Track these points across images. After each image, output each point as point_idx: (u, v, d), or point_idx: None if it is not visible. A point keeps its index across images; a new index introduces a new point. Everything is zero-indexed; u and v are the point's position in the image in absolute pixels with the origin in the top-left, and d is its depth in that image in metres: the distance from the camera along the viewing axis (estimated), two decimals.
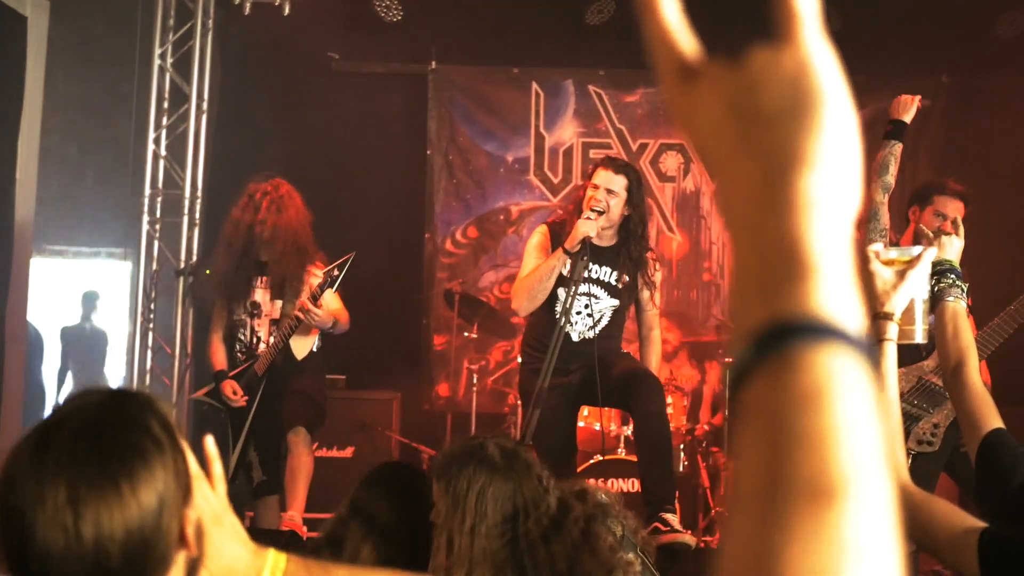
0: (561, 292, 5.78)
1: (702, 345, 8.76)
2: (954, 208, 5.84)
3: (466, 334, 8.50)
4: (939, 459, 5.70)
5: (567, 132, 9.38)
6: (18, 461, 1.65)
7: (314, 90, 9.34)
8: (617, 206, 5.79)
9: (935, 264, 3.26)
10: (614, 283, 5.95)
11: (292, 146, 9.25)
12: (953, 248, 3.41)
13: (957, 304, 3.20)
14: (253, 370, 6.72)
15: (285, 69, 9.25)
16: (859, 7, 8.86)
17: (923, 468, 5.66)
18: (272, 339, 6.67)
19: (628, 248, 5.92)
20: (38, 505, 1.61)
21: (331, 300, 6.62)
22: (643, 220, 5.95)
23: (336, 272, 6.22)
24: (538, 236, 6.04)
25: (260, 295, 6.75)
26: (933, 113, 9.15)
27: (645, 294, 6.07)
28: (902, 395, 5.64)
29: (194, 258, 8.63)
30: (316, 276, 6.58)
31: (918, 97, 5.62)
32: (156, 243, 8.75)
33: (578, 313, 5.86)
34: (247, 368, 6.75)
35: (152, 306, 8.75)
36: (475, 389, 8.37)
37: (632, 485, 6.86)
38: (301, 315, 6.39)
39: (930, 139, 9.14)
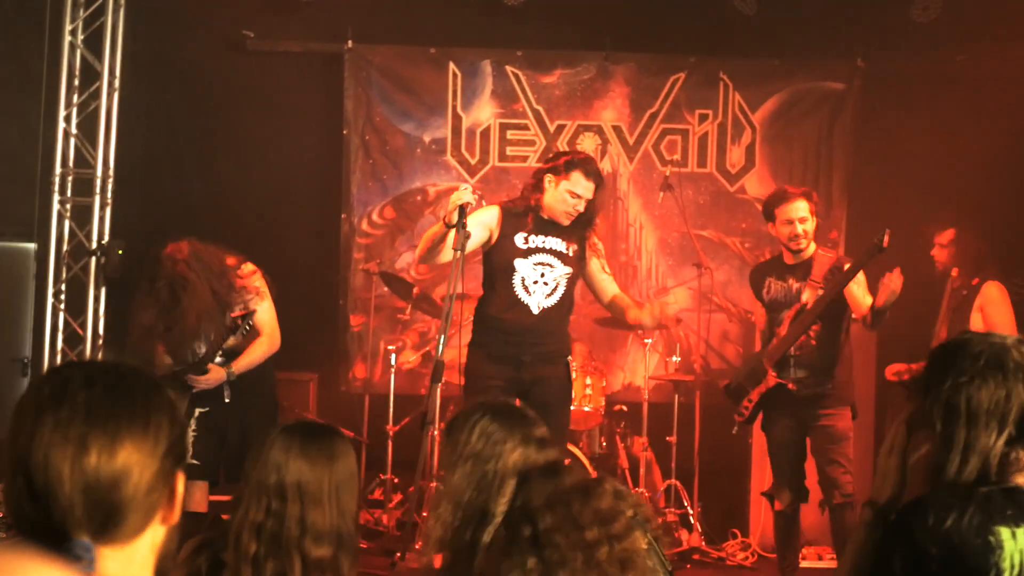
0: (520, 264, 6.10)
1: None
2: (794, 209, 6.41)
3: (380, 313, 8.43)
4: None
5: (484, 113, 9.33)
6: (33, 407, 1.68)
7: (228, 68, 9.21)
8: (582, 207, 6.17)
9: None
10: (565, 251, 6.20)
11: (206, 125, 9.15)
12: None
13: None
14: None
15: (199, 47, 9.13)
16: None
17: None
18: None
19: (579, 226, 6.22)
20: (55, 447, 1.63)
21: (265, 318, 6.36)
22: (598, 210, 6.36)
23: (240, 323, 6.12)
24: (490, 212, 6.21)
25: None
26: (848, 96, 9.24)
27: (595, 262, 6.37)
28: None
29: (106, 238, 8.49)
30: (244, 281, 6.31)
31: None
32: (67, 223, 8.61)
33: (535, 283, 6.13)
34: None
35: (63, 287, 8.61)
36: (392, 370, 8.33)
37: None
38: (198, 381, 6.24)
39: (844, 122, 9.22)
